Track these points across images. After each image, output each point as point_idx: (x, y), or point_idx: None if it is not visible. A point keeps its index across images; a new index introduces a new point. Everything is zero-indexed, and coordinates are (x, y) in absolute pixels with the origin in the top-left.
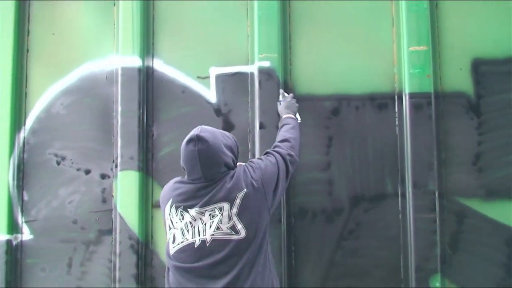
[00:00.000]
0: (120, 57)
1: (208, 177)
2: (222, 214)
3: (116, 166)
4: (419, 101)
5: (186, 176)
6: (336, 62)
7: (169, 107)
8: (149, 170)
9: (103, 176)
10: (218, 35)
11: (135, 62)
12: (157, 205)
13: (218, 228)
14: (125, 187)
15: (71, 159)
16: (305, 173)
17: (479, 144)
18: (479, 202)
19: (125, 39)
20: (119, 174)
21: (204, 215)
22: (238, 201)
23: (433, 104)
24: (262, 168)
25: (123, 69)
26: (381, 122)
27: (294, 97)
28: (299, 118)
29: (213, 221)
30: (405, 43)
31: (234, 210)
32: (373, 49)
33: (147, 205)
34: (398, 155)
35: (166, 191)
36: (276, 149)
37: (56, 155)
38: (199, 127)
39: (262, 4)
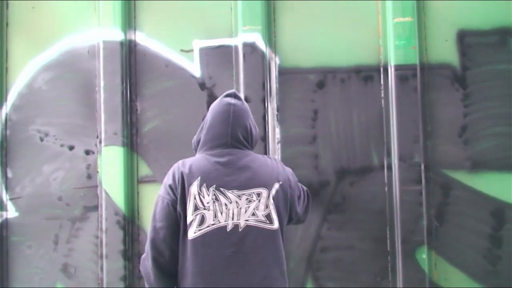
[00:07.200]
0: (101, 31)
1: (234, 137)
2: (259, 201)
3: (100, 142)
4: (404, 73)
5: (205, 148)
6: (321, 35)
7: (152, 82)
8: (133, 145)
9: (87, 152)
10: (201, 7)
11: (117, 35)
12: (143, 181)
13: (253, 214)
14: (110, 163)
15: (54, 135)
16: (291, 146)
17: (464, 116)
18: (465, 174)
19: (106, 12)
20: (103, 149)
21: (241, 199)
22: (275, 190)
23: (418, 76)
24: (295, 181)
25: (105, 42)
26: (367, 95)
27: None
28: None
29: (249, 206)
30: (390, 14)
31: (271, 198)
32: (358, 21)
33: (133, 181)
34: (383, 128)
35: (190, 169)
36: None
37: (39, 131)
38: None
39: None
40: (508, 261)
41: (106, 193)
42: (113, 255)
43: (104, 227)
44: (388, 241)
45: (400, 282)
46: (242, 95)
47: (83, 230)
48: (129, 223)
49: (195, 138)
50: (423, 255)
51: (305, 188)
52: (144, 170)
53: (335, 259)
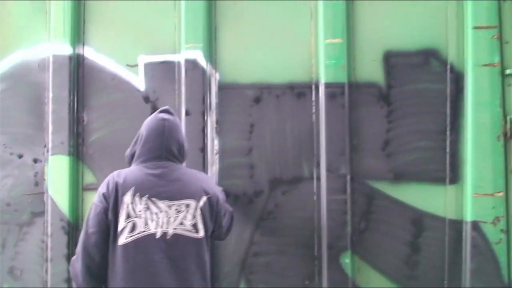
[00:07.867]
0: (51, 45)
1: (168, 150)
2: (188, 211)
3: (47, 151)
4: (333, 90)
5: (140, 160)
6: (259, 53)
7: (99, 94)
8: (79, 154)
9: (35, 160)
10: (147, 24)
11: (66, 50)
12: (87, 188)
13: (181, 223)
14: (56, 171)
15: (4, 144)
16: (228, 158)
17: (388, 131)
18: (387, 184)
19: (57, 27)
20: (50, 158)
21: (171, 209)
22: (203, 202)
23: (346, 94)
24: (224, 199)
25: (55, 56)
26: (299, 110)
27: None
28: None
29: (178, 216)
30: (321, 35)
31: (199, 210)
32: (293, 41)
33: (78, 188)
34: (314, 141)
35: (125, 180)
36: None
37: None
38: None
39: None
40: (425, 266)
41: (52, 200)
42: (57, 259)
43: (49, 232)
44: (315, 246)
45: (325, 285)
46: (183, 109)
47: (30, 234)
48: (73, 228)
49: (128, 152)
50: (346, 260)
51: (231, 209)
52: (89, 178)
53: (266, 263)
